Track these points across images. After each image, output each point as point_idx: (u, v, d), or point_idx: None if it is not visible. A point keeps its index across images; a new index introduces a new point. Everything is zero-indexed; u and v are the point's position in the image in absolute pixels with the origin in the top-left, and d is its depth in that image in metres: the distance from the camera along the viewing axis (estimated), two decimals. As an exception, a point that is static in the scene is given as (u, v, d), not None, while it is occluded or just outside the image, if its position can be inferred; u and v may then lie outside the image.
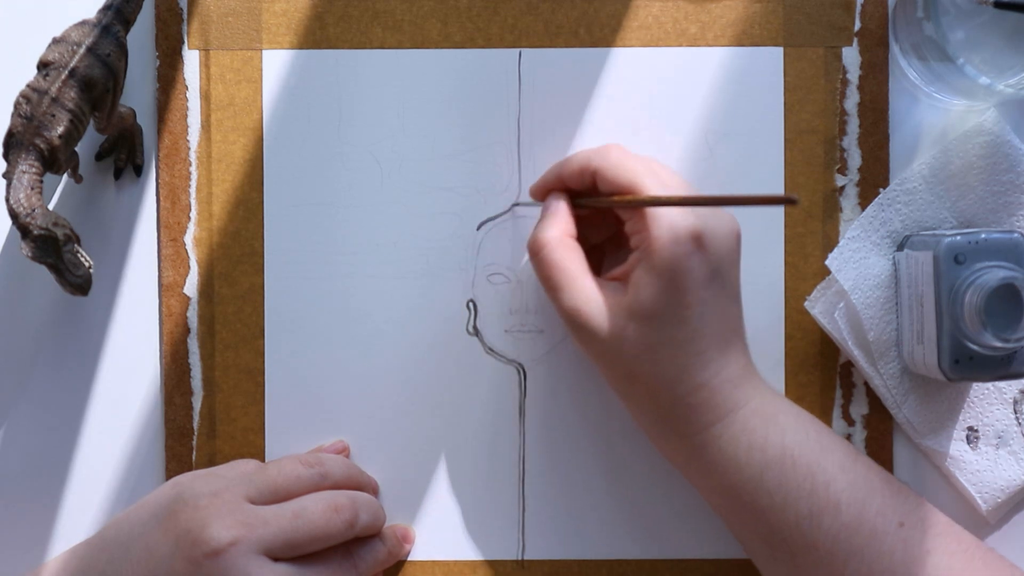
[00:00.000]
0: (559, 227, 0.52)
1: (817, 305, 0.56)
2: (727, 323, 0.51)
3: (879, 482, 0.51)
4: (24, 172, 0.52)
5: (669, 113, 0.57)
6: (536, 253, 0.52)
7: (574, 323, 0.51)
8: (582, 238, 0.54)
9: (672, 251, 0.49)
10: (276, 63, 0.57)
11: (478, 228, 0.58)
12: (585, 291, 0.51)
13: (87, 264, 0.53)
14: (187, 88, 0.57)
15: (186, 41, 0.57)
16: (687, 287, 0.49)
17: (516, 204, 0.57)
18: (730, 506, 0.52)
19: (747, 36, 0.57)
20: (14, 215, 0.52)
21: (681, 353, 0.50)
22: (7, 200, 0.52)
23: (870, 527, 0.50)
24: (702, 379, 0.50)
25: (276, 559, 0.50)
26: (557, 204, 0.53)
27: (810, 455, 0.50)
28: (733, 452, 0.50)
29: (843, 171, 0.57)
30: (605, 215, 0.54)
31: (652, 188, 0.50)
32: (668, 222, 0.49)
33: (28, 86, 0.52)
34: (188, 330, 0.57)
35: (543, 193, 0.55)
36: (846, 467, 0.51)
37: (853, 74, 0.57)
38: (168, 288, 0.58)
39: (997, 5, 0.51)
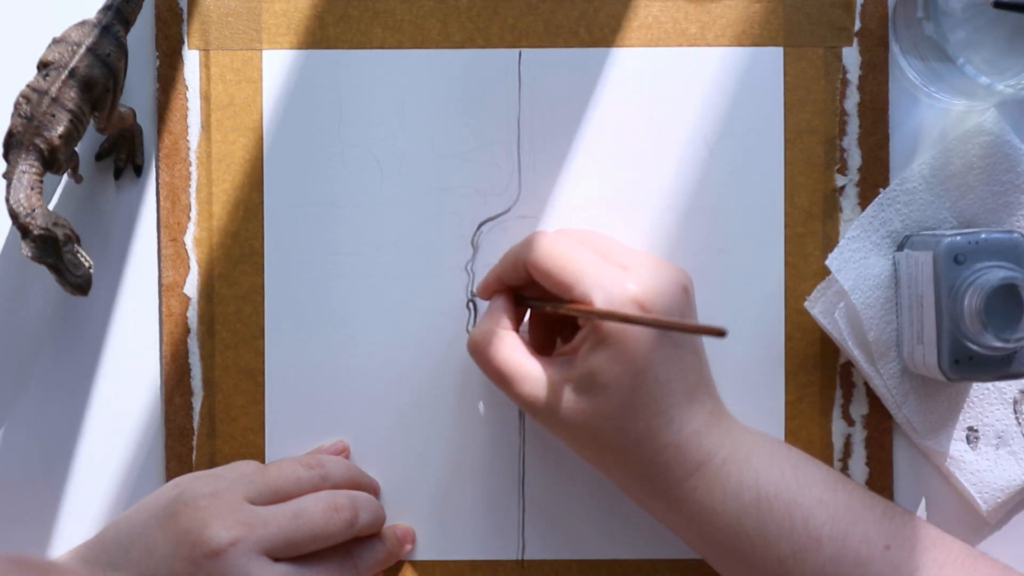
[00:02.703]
0: (492, 323, 0.53)
1: (817, 305, 0.56)
2: (686, 377, 0.50)
3: (861, 508, 0.51)
4: (24, 172, 0.52)
5: (669, 113, 0.57)
6: (474, 354, 0.53)
7: (532, 409, 0.51)
8: (539, 315, 0.55)
9: (614, 323, 0.49)
10: (276, 63, 0.57)
11: (478, 228, 0.58)
12: (531, 377, 0.51)
13: (87, 264, 0.53)
14: (187, 88, 0.57)
15: (186, 41, 0.57)
16: (635, 355, 0.49)
17: (471, 300, 0.57)
18: (713, 553, 0.52)
19: (747, 36, 0.57)
20: (14, 215, 0.52)
21: (642, 417, 0.49)
22: (7, 200, 0.52)
23: (854, 556, 0.50)
24: (667, 438, 0.50)
25: (276, 559, 0.50)
26: (494, 302, 0.54)
27: (786, 494, 0.50)
28: (709, 503, 0.50)
29: (843, 171, 0.57)
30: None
31: (583, 271, 0.50)
32: (606, 296, 0.49)
33: (28, 86, 0.52)
34: (188, 330, 0.57)
35: (487, 294, 0.55)
36: (825, 500, 0.51)
37: (853, 74, 0.57)
38: (168, 288, 0.58)
39: (997, 5, 0.51)
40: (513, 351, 0.52)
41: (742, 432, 0.52)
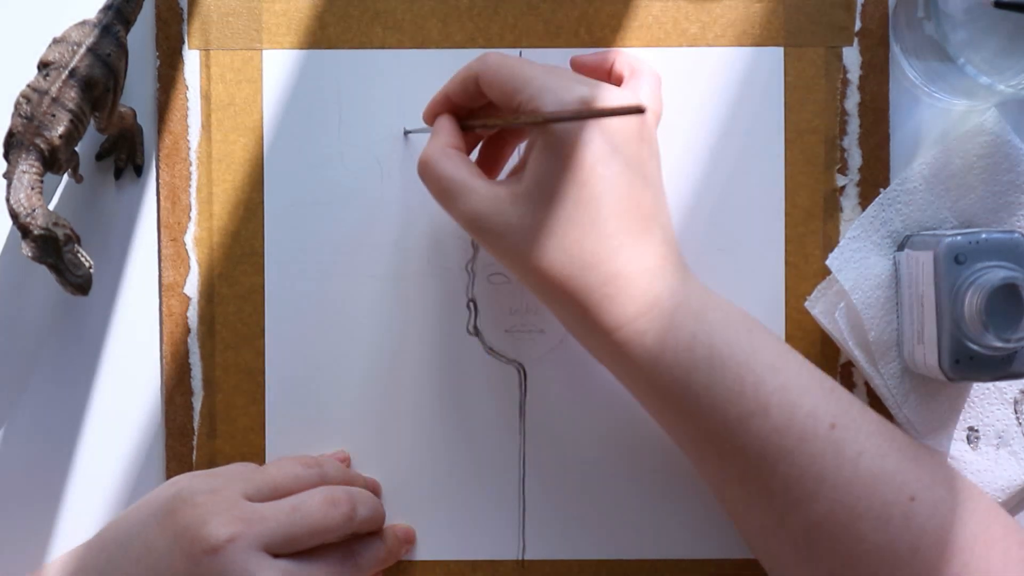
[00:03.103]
0: (441, 142, 0.51)
1: (817, 305, 0.56)
2: (638, 208, 0.48)
3: (811, 382, 0.49)
4: (24, 172, 0.52)
5: (669, 113, 0.57)
6: (422, 172, 0.51)
7: (475, 227, 0.50)
8: (492, 158, 0.54)
9: (564, 124, 0.47)
10: (276, 63, 0.57)
11: (478, 228, 0.58)
12: (478, 192, 0.49)
13: (87, 264, 0.53)
14: (187, 88, 0.57)
15: (186, 41, 0.57)
16: (581, 160, 0.47)
17: (407, 131, 0.57)
18: (658, 407, 0.50)
19: (747, 36, 0.57)
20: (14, 215, 0.52)
21: (588, 237, 0.48)
22: (7, 200, 0.52)
23: (800, 429, 0.48)
24: (615, 268, 0.48)
25: (276, 555, 0.50)
26: (440, 122, 0.53)
27: (740, 355, 0.48)
28: (659, 351, 0.48)
29: (843, 171, 0.57)
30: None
31: (534, 75, 0.49)
32: (556, 98, 0.48)
33: (28, 86, 0.52)
34: (188, 330, 0.58)
35: (432, 116, 0.54)
36: (777, 368, 0.49)
37: (853, 74, 0.57)
38: (168, 288, 0.58)
39: (997, 5, 0.51)
40: (460, 169, 0.50)
41: (699, 287, 0.50)
